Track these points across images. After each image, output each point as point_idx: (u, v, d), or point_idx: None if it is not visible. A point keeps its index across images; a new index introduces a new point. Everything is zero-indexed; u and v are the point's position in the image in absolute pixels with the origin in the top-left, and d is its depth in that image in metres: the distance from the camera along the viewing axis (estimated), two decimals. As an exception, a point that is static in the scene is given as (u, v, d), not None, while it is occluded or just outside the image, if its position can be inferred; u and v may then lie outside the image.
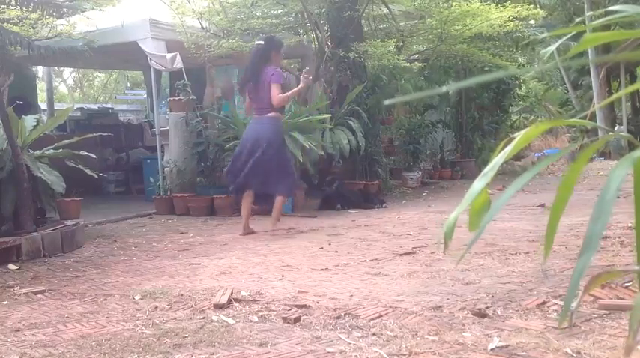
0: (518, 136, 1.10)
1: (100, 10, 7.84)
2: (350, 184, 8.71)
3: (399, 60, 9.05)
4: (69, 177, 5.74)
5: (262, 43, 6.16)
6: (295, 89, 6.26)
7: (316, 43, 9.14)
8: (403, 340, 2.63)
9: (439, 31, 9.60)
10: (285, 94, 6.03)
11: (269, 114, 6.02)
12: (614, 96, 13.22)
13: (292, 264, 4.47)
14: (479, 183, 1.10)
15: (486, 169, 1.11)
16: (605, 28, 13.82)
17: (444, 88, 1.30)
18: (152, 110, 11.49)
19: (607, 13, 1.17)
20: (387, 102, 1.29)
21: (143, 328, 3.01)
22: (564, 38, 1.22)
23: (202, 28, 8.73)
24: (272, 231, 6.13)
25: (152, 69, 8.60)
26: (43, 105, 12.88)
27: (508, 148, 1.11)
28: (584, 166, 1.07)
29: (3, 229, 5.21)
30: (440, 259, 4.36)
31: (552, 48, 1.22)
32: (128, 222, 7.45)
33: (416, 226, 6.06)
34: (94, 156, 6.18)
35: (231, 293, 3.47)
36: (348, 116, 8.66)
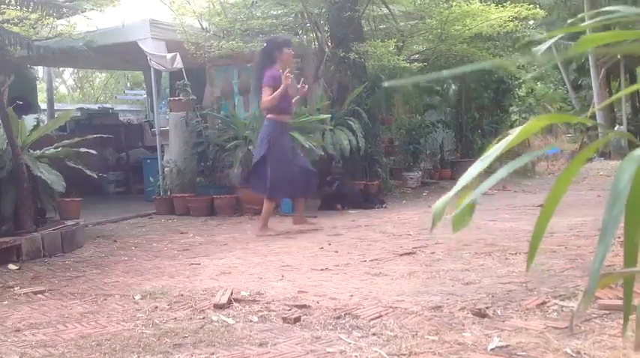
0: (516, 131, 1.09)
1: (100, 10, 7.84)
2: (350, 184, 8.71)
3: (399, 60, 9.05)
4: (69, 178, 5.74)
5: (265, 44, 6.21)
6: (278, 91, 5.94)
7: (316, 43, 9.14)
8: (403, 340, 2.63)
9: (439, 31, 9.60)
10: (272, 96, 5.91)
11: (267, 116, 6.12)
12: (614, 96, 13.24)
13: (292, 264, 4.47)
14: (476, 167, 1.10)
15: (485, 155, 1.10)
16: (606, 28, 13.81)
17: (445, 73, 1.28)
18: (152, 110, 11.48)
19: (602, 14, 1.17)
20: (386, 84, 1.28)
21: (143, 328, 3.01)
22: (557, 37, 1.22)
23: (202, 28, 8.73)
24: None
25: (152, 69, 8.60)
26: (43, 106, 12.88)
27: (509, 138, 1.09)
28: (582, 165, 1.07)
29: (3, 229, 5.21)
30: (440, 259, 4.36)
31: (545, 45, 1.22)
32: (128, 222, 7.45)
33: (416, 226, 6.06)
34: (95, 153, 6.16)
35: (231, 294, 3.47)
36: (348, 116, 8.65)
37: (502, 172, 1.07)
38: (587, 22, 1.20)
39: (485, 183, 1.08)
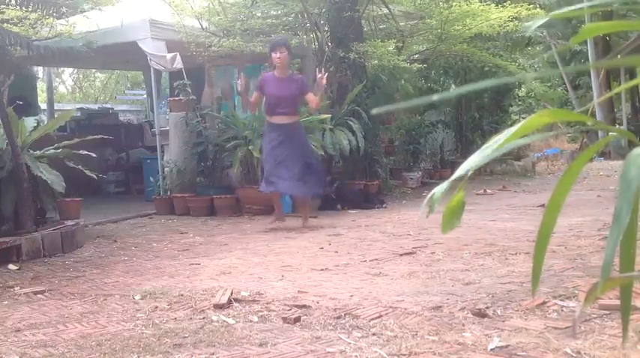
0: (514, 129, 1.08)
1: (100, 9, 7.84)
2: (350, 184, 8.70)
3: (399, 60, 9.05)
4: (69, 178, 5.74)
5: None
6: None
7: (316, 43, 9.13)
8: (403, 340, 2.63)
9: (439, 31, 9.60)
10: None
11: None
12: (614, 90, 13.24)
13: (292, 264, 4.47)
14: (475, 158, 1.08)
15: (485, 146, 1.09)
16: (607, 18, 13.79)
17: (435, 97, 1.27)
18: (152, 110, 11.48)
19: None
20: (374, 111, 1.26)
21: (143, 328, 3.01)
22: (545, 19, 1.21)
23: (202, 28, 8.72)
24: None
25: (152, 69, 8.59)
26: (43, 106, 12.87)
27: (509, 131, 1.08)
28: (583, 167, 1.07)
29: (3, 229, 5.21)
30: (440, 259, 4.36)
31: (538, 23, 1.21)
32: (128, 222, 7.45)
33: (416, 226, 6.05)
34: (94, 155, 6.17)
35: (231, 294, 3.47)
36: (348, 116, 8.65)
37: (492, 153, 1.05)
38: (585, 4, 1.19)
39: (471, 160, 1.06)
